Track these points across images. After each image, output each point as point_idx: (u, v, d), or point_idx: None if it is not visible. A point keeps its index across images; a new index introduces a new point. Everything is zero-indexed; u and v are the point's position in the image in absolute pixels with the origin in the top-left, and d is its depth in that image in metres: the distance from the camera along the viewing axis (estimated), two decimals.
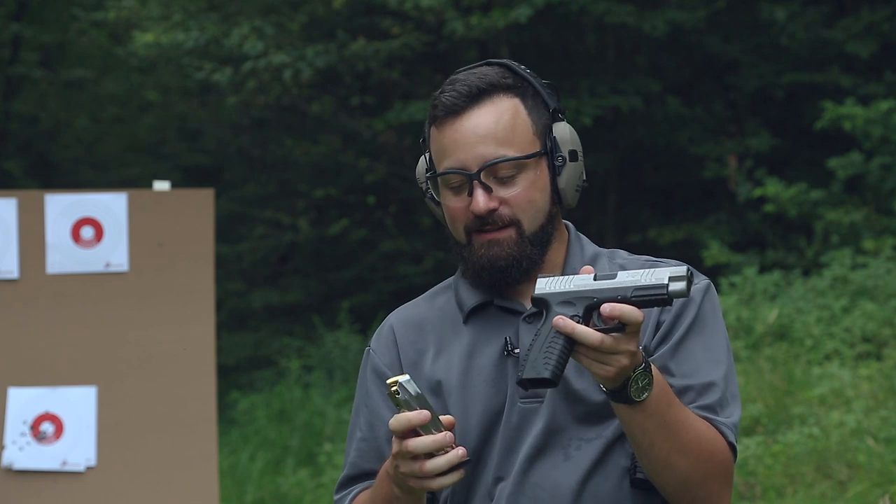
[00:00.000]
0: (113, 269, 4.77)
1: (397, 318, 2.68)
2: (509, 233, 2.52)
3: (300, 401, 11.47)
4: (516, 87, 2.56)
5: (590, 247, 2.64)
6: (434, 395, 2.58)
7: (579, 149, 2.58)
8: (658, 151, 13.71)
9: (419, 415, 2.34)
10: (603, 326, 2.31)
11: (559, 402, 2.51)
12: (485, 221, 2.52)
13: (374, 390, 2.61)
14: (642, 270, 2.32)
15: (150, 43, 14.03)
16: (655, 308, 2.50)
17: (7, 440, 4.65)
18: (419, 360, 2.61)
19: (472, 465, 2.53)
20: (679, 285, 2.29)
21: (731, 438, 2.51)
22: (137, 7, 14.75)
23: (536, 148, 2.54)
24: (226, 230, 14.45)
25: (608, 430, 2.50)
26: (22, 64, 16.31)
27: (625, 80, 13.18)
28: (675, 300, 2.33)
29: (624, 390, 2.35)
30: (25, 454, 4.66)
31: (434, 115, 2.57)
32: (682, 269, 2.30)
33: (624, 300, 2.30)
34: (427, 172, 2.62)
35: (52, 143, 16.90)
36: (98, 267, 4.77)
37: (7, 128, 16.48)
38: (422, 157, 2.65)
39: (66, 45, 16.88)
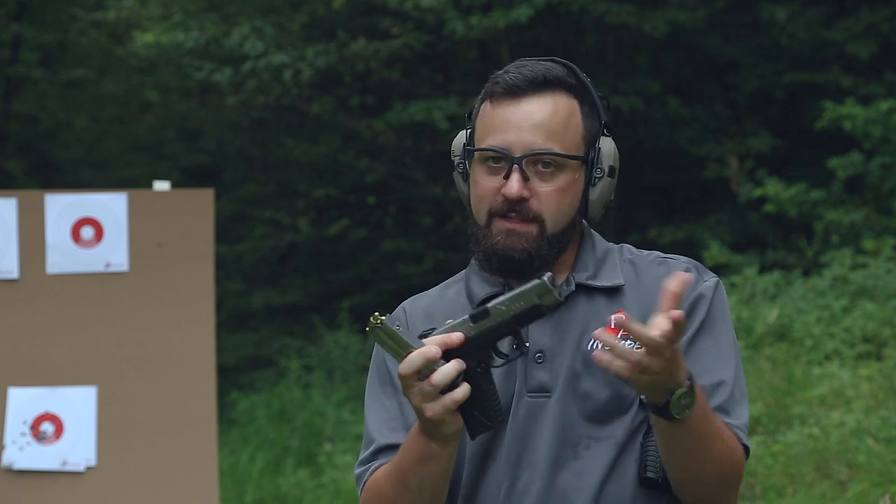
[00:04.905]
0: (113, 269, 4.78)
1: (410, 305, 2.68)
2: (531, 228, 2.52)
3: (300, 401, 11.47)
4: (577, 90, 2.56)
5: (602, 244, 2.64)
6: None
7: (617, 167, 2.60)
8: (658, 151, 13.71)
9: (429, 350, 2.35)
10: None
11: (568, 400, 2.52)
12: (512, 208, 2.51)
13: (394, 368, 2.59)
14: (511, 297, 2.36)
15: (150, 43, 14.02)
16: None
17: (7, 440, 4.65)
18: None
19: (480, 459, 2.54)
20: (548, 298, 2.35)
21: (745, 441, 2.53)
22: (137, 7, 14.75)
23: (581, 153, 2.55)
24: (226, 230, 14.45)
25: (619, 431, 2.51)
26: (22, 64, 16.31)
27: (625, 80, 13.17)
28: (555, 307, 2.38)
29: (666, 407, 2.36)
30: (25, 454, 4.66)
31: (493, 90, 2.55)
32: (543, 283, 2.34)
33: (511, 330, 2.36)
34: (466, 146, 2.60)
35: (52, 143, 16.90)
36: (98, 267, 4.77)
37: (7, 128, 16.48)
38: (462, 132, 2.63)
39: (66, 45, 16.88)
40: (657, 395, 2.36)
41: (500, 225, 2.52)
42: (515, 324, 2.36)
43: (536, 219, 2.52)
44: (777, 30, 12.67)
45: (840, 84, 12.20)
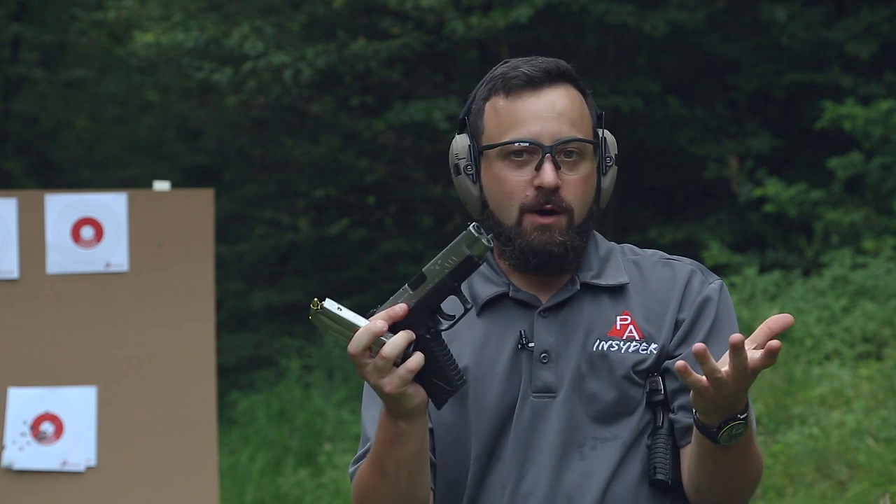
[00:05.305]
0: (113, 269, 4.78)
1: None
2: (560, 220, 2.53)
3: (300, 401, 11.47)
4: (578, 83, 2.60)
5: (604, 243, 2.65)
6: None
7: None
8: (658, 151, 13.71)
9: (374, 324, 2.34)
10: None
11: (574, 401, 2.52)
12: (548, 199, 2.51)
13: None
14: (442, 255, 2.34)
15: (150, 43, 14.02)
16: (672, 306, 2.55)
17: (7, 440, 4.66)
18: None
19: (485, 459, 2.54)
20: (478, 247, 2.33)
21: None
22: (137, 7, 14.75)
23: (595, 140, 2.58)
24: (226, 230, 14.45)
25: (624, 432, 2.51)
26: (22, 64, 16.30)
27: (625, 80, 13.17)
28: (486, 255, 2.36)
29: (716, 433, 2.37)
30: (25, 454, 4.66)
31: (508, 84, 2.55)
32: (470, 233, 2.32)
33: (450, 289, 2.35)
34: (479, 146, 2.57)
35: (52, 143, 16.89)
36: (98, 267, 4.77)
37: (7, 128, 16.47)
38: (459, 136, 2.61)
39: (66, 45, 16.88)
40: (711, 417, 2.35)
41: (532, 221, 2.52)
42: (452, 281, 2.34)
43: (567, 209, 2.52)
44: (777, 30, 12.67)
45: (840, 84, 12.21)
